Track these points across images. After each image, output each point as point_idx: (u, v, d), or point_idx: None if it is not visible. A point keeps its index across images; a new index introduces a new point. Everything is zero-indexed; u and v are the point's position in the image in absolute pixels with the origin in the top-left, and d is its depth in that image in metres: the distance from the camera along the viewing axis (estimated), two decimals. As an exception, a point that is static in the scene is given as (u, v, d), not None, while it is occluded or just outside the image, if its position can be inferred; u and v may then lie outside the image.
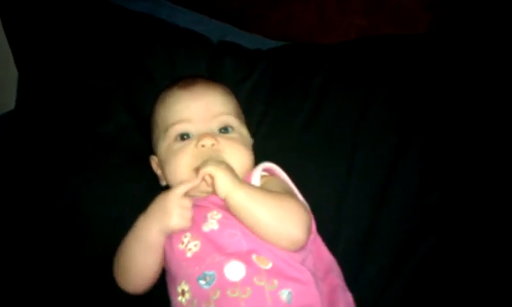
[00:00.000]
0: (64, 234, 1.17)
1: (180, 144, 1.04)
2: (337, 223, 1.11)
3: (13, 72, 1.47)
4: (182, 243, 0.96)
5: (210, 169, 0.94)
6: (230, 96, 1.14)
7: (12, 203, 1.22)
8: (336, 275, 1.00)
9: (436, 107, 1.17)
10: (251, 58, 1.32)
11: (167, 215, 0.95)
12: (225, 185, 0.92)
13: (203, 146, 1.01)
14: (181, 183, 0.98)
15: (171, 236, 0.97)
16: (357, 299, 1.00)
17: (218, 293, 0.87)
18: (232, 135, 1.06)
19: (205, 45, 1.34)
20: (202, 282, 0.90)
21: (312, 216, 0.99)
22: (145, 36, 1.34)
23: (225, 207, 0.96)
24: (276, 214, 0.92)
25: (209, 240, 0.93)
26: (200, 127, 1.04)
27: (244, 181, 0.97)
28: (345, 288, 1.00)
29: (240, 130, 1.09)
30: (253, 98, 1.27)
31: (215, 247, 0.92)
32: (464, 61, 1.21)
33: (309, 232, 0.95)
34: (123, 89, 1.28)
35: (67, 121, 1.27)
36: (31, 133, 1.28)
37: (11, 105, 1.41)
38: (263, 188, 0.98)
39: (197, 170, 0.98)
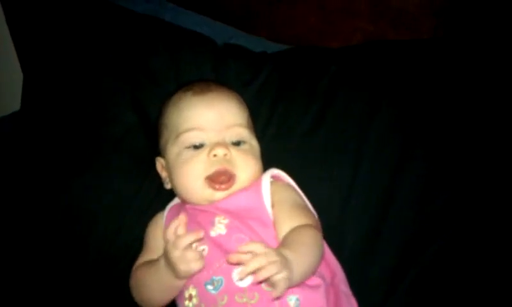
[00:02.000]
0: (66, 236, 1.17)
1: (191, 152, 1.04)
2: (342, 227, 1.11)
3: (18, 73, 1.48)
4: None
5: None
6: (243, 105, 1.13)
7: (15, 203, 1.22)
8: (340, 280, 1.00)
9: (441, 112, 1.17)
10: (256, 61, 1.32)
11: (175, 270, 0.91)
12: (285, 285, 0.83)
13: (215, 155, 1.01)
14: (192, 195, 1.00)
15: None
16: (361, 303, 1.01)
17: (226, 298, 0.88)
18: (243, 147, 1.06)
19: (210, 47, 1.34)
20: (210, 287, 0.90)
21: (319, 223, 1.00)
22: (149, 38, 1.33)
23: (232, 212, 0.97)
24: (318, 260, 0.94)
25: (217, 245, 0.93)
26: (213, 136, 1.04)
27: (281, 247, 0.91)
28: (350, 293, 1.00)
29: (251, 141, 1.09)
30: (259, 101, 1.27)
31: (223, 252, 0.92)
32: (469, 66, 1.21)
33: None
34: (128, 90, 1.28)
35: (71, 122, 1.27)
36: (36, 134, 1.28)
37: (16, 105, 1.41)
38: (296, 249, 0.91)
39: (209, 179, 0.99)
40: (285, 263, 0.83)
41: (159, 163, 1.13)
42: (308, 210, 1.03)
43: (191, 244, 0.90)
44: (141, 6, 1.43)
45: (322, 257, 0.95)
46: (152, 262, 0.99)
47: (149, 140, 1.20)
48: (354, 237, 1.11)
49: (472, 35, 1.28)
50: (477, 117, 1.15)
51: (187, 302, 0.92)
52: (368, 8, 1.36)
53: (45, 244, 1.16)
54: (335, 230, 1.09)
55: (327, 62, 1.27)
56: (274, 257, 0.82)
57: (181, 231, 0.90)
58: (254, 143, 1.10)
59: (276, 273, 0.81)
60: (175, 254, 0.89)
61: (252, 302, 0.86)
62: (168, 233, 0.91)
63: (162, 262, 0.94)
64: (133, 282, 1.02)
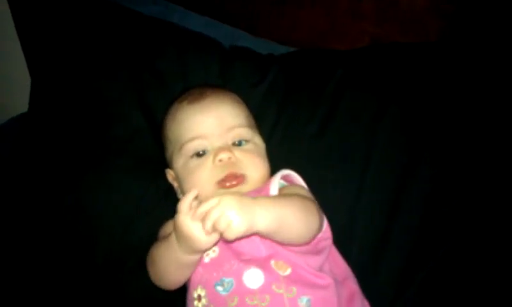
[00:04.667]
0: (72, 236, 1.17)
1: (197, 161, 1.04)
2: (350, 230, 1.11)
3: (26, 75, 1.48)
4: None
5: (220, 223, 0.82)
6: (241, 105, 1.14)
7: (22, 203, 1.23)
8: (354, 282, 1.00)
9: (449, 115, 1.17)
10: (263, 63, 1.32)
11: (187, 242, 0.88)
12: (241, 227, 0.82)
13: (220, 160, 1.01)
14: (202, 199, 0.96)
15: None
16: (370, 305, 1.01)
17: (236, 300, 0.88)
18: (246, 147, 1.07)
19: (217, 49, 1.34)
20: (220, 288, 0.90)
21: (326, 221, 1.00)
22: (157, 40, 1.34)
23: None
24: (304, 221, 0.91)
25: (227, 246, 0.93)
26: (215, 142, 1.04)
27: (256, 195, 0.92)
28: (363, 295, 1.00)
29: (254, 139, 1.09)
30: (266, 103, 1.27)
31: (233, 253, 0.93)
32: (475, 69, 1.21)
33: (320, 219, 0.95)
34: (136, 92, 1.28)
35: (79, 123, 1.28)
36: (43, 135, 1.29)
37: (24, 107, 1.42)
38: (273, 197, 0.95)
39: (221, 183, 0.99)
40: (241, 210, 0.81)
41: (169, 174, 1.13)
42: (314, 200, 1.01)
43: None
44: (148, 8, 1.43)
45: (312, 229, 0.93)
46: (164, 239, 0.97)
47: (156, 142, 1.20)
48: (363, 240, 1.11)
49: (478, 38, 1.29)
50: (484, 120, 1.15)
51: (196, 303, 0.92)
52: (375, 11, 1.36)
53: (52, 243, 1.17)
54: (343, 233, 1.09)
55: (334, 65, 1.27)
56: (223, 206, 0.81)
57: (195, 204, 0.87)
58: (258, 141, 1.10)
59: (219, 218, 0.80)
60: (188, 223, 0.85)
61: (263, 304, 0.86)
62: (182, 204, 0.86)
63: (173, 237, 0.91)
64: (148, 261, 1.01)
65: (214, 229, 0.82)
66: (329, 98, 1.23)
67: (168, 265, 0.95)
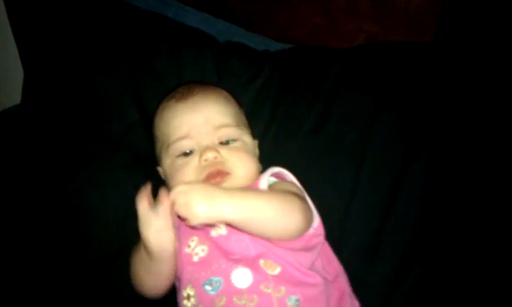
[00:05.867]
0: (67, 229, 1.16)
1: (183, 160, 1.03)
2: (345, 228, 1.11)
3: (19, 66, 1.47)
4: (189, 247, 0.95)
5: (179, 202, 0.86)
6: (230, 103, 1.12)
7: (16, 197, 1.22)
8: (345, 281, 1.00)
9: (445, 114, 1.17)
10: (259, 59, 1.31)
11: (143, 239, 0.91)
12: (203, 214, 0.84)
13: (206, 160, 1.01)
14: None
15: (178, 239, 0.95)
16: (363, 304, 1.00)
17: (224, 299, 0.87)
18: (234, 145, 1.06)
19: (212, 44, 1.33)
20: (208, 287, 0.89)
21: (319, 218, 1.00)
22: (152, 34, 1.33)
23: None
24: (281, 216, 0.91)
25: (217, 246, 0.93)
26: (201, 141, 1.03)
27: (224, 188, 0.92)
28: (353, 295, 1.00)
29: (243, 138, 1.08)
30: (261, 99, 1.26)
31: (222, 253, 0.92)
32: (471, 69, 1.21)
33: (307, 216, 0.94)
34: (130, 87, 1.28)
35: (73, 117, 1.27)
36: (36, 130, 1.28)
37: (17, 99, 1.41)
38: (244, 191, 0.94)
39: (204, 181, 0.99)
40: (207, 195, 0.84)
41: (161, 172, 1.13)
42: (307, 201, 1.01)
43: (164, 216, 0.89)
44: (144, 2, 1.41)
45: (292, 224, 0.92)
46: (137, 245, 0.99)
47: (149, 138, 1.19)
48: (357, 238, 1.10)
49: (474, 37, 1.28)
50: (480, 119, 1.15)
51: (185, 302, 0.92)
52: (372, 9, 1.35)
53: (46, 237, 1.16)
54: (337, 231, 1.09)
55: (330, 63, 1.26)
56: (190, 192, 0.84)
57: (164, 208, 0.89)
58: (246, 139, 1.09)
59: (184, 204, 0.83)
60: (140, 219, 0.90)
61: (251, 304, 0.86)
62: (138, 203, 0.90)
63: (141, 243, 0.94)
64: (130, 271, 1.02)
65: (178, 212, 0.85)
66: (325, 96, 1.23)
67: (140, 270, 0.98)
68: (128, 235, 1.13)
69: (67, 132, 1.26)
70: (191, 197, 0.83)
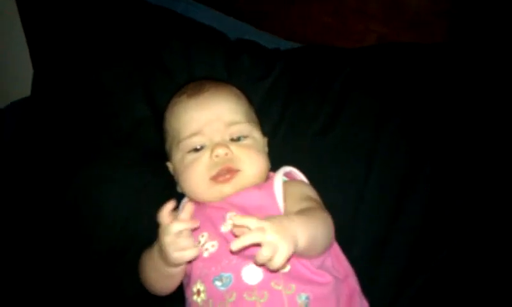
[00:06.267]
0: (73, 225, 1.17)
1: (193, 155, 1.04)
2: (352, 228, 1.11)
3: (28, 59, 1.48)
4: (199, 242, 0.95)
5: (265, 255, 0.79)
6: (241, 100, 1.13)
7: (22, 191, 1.22)
8: (354, 280, 1.00)
9: (453, 117, 1.17)
10: (269, 57, 1.31)
11: (166, 256, 0.91)
12: (288, 252, 0.80)
13: (217, 156, 1.01)
14: (201, 195, 1.00)
15: None
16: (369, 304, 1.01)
17: (234, 295, 0.87)
18: (244, 142, 1.06)
19: (222, 41, 1.34)
20: (218, 283, 0.90)
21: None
22: (163, 30, 1.33)
23: (243, 208, 0.96)
24: (326, 237, 0.92)
25: (227, 241, 0.93)
26: (212, 137, 1.04)
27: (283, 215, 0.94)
28: (362, 295, 1.00)
29: (253, 134, 1.08)
30: (271, 98, 1.26)
31: None
32: (481, 72, 1.20)
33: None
34: (141, 82, 1.28)
35: (82, 113, 1.27)
36: (45, 123, 1.29)
37: (25, 91, 1.41)
38: (303, 214, 0.91)
39: (214, 178, 0.99)
40: (284, 233, 0.80)
41: (170, 167, 1.13)
42: (320, 202, 1.02)
43: (187, 232, 0.90)
44: (154, -4, 1.42)
45: (331, 241, 0.95)
46: (150, 248, 0.99)
47: (158, 134, 1.19)
48: (364, 239, 1.11)
49: (485, 40, 1.28)
50: (488, 123, 1.15)
51: (195, 297, 0.92)
52: (382, 10, 1.36)
53: (52, 233, 1.17)
54: (345, 231, 1.08)
55: (341, 63, 1.26)
56: (269, 235, 0.78)
57: (185, 216, 0.90)
58: (257, 136, 1.09)
59: (272, 254, 0.78)
60: (166, 239, 0.89)
61: (261, 300, 0.86)
62: (161, 216, 0.89)
63: (156, 248, 0.94)
64: (139, 268, 1.03)
65: (261, 259, 0.79)
66: (335, 97, 1.23)
67: (152, 276, 0.99)
68: (133, 230, 1.15)
69: (75, 126, 1.26)
70: (273, 236, 0.79)
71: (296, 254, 0.83)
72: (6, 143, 1.36)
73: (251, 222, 0.80)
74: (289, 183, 1.03)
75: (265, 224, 0.80)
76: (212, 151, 1.01)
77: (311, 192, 1.03)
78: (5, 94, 1.63)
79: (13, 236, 1.18)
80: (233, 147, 1.03)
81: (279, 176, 1.01)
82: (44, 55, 1.38)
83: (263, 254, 0.78)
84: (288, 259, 0.81)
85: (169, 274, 0.96)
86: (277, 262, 0.79)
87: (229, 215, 0.96)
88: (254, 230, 0.79)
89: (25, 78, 1.47)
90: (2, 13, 1.65)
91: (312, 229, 0.87)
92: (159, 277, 0.98)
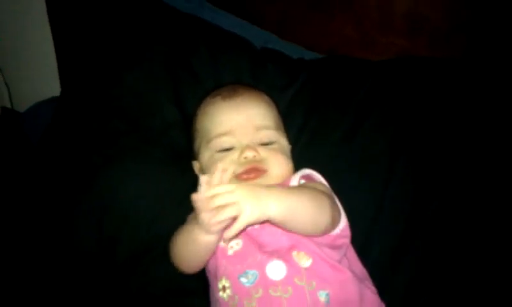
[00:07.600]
0: (100, 222, 1.17)
1: (222, 154, 1.08)
2: (369, 238, 1.13)
3: (53, 61, 1.51)
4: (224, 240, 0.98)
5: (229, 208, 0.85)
6: (271, 107, 1.17)
7: (50, 186, 1.24)
8: (371, 284, 1.03)
9: (471, 133, 1.19)
10: (294, 67, 1.35)
11: (202, 225, 0.92)
12: (252, 215, 0.85)
13: (245, 157, 1.05)
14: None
15: None
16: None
17: (261, 291, 0.90)
18: (272, 146, 1.10)
19: (248, 50, 1.37)
20: (244, 280, 0.92)
21: (346, 219, 1.02)
22: (192, 36, 1.37)
23: None
24: (314, 211, 0.93)
25: (251, 239, 0.96)
26: (242, 139, 1.08)
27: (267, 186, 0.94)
28: (379, 299, 1.01)
29: (280, 140, 1.12)
30: (294, 106, 1.29)
31: (256, 246, 0.95)
32: (498, 89, 1.23)
33: (334, 215, 0.97)
34: (170, 86, 1.31)
35: (111, 113, 1.30)
36: (77, 121, 1.31)
37: (54, 91, 1.44)
38: (288, 188, 0.97)
39: (239, 176, 1.02)
40: (252, 197, 0.85)
41: (196, 166, 1.16)
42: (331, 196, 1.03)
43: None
44: (181, 4, 1.45)
45: (323, 220, 0.94)
46: (184, 225, 1.02)
47: (186, 135, 1.23)
48: (380, 249, 1.12)
49: (504, 57, 1.30)
50: (506, 140, 1.17)
51: (221, 293, 0.94)
52: (404, 24, 1.38)
53: (80, 228, 1.18)
54: (362, 240, 1.11)
55: (363, 76, 1.29)
56: (236, 195, 0.84)
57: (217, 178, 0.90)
58: (283, 141, 1.14)
59: (236, 213, 0.84)
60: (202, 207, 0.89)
61: (285, 296, 0.89)
62: (201, 180, 0.90)
63: (192, 217, 0.96)
64: (171, 244, 1.04)
65: (225, 216, 0.85)
66: (357, 108, 1.25)
67: (186, 244, 0.99)
68: (159, 229, 1.14)
69: (105, 124, 1.28)
70: (239, 196, 0.85)
71: (274, 224, 0.89)
72: (35, 141, 1.38)
73: (220, 187, 0.86)
74: (305, 184, 1.05)
75: (234, 187, 0.86)
76: (241, 152, 1.05)
77: (325, 189, 1.04)
78: (35, 93, 1.65)
79: (40, 235, 1.19)
80: (262, 150, 1.07)
81: (296, 178, 1.05)
82: (75, 59, 1.41)
83: (227, 212, 0.84)
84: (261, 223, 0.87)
85: (205, 243, 0.95)
86: (240, 222, 0.84)
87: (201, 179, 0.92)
88: (223, 193, 0.85)
89: (53, 77, 1.51)
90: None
91: (292, 202, 0.90)
92: (193, 249, 0.97)
